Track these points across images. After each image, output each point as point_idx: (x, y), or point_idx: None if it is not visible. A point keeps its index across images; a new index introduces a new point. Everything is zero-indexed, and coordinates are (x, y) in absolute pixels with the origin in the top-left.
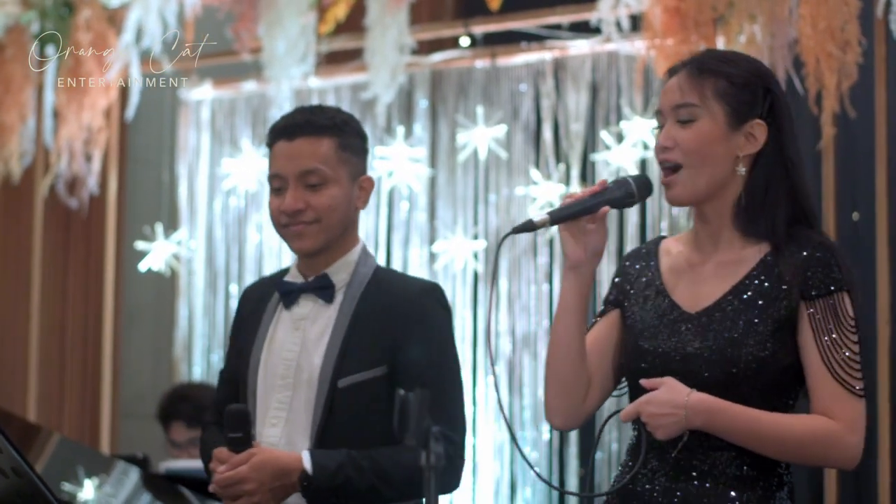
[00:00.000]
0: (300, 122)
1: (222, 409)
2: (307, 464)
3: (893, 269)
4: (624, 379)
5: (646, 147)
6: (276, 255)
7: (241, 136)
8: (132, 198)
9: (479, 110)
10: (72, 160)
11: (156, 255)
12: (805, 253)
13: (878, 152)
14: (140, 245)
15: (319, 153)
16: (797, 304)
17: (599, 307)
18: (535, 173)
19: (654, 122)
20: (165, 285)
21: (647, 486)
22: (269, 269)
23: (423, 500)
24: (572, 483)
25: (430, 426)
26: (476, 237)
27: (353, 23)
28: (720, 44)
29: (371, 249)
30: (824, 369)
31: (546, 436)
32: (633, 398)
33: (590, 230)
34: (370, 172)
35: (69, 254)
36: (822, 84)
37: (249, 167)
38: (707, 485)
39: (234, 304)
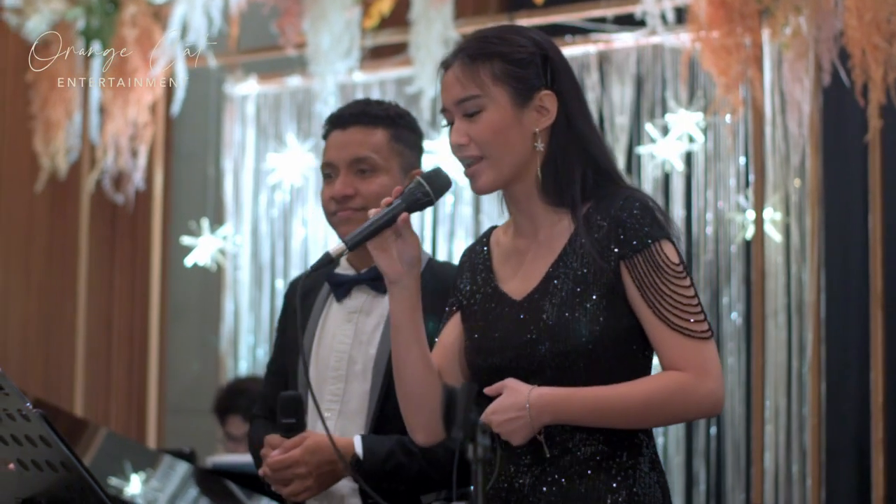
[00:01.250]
0: (355, 112)
1: (270, 403)
2: (358, 448)
3: None
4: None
5: (691, 140)
6: (322, 249)
7: (286, 131)
8: (178, 193)
9: None
10: (118, 156)
11: (201, 249)
12: (614, 213)
13: None
14: (186, 240)
15: (371, 142)
16: (617, 266)
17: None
18: None
19: (700, 115)
20: (211, 280)
21: (520, 482)
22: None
23: (471, 487)
24: None
25: (476, 419)
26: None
27: (398, 17)
28: (765, 36)
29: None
30: (658, 321)
31: None
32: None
33: (398, 242)
34: None
35: (115, 249)
36: (868, 76)
37: (294, 162)
38: (569, 470)
39: (279, 299)
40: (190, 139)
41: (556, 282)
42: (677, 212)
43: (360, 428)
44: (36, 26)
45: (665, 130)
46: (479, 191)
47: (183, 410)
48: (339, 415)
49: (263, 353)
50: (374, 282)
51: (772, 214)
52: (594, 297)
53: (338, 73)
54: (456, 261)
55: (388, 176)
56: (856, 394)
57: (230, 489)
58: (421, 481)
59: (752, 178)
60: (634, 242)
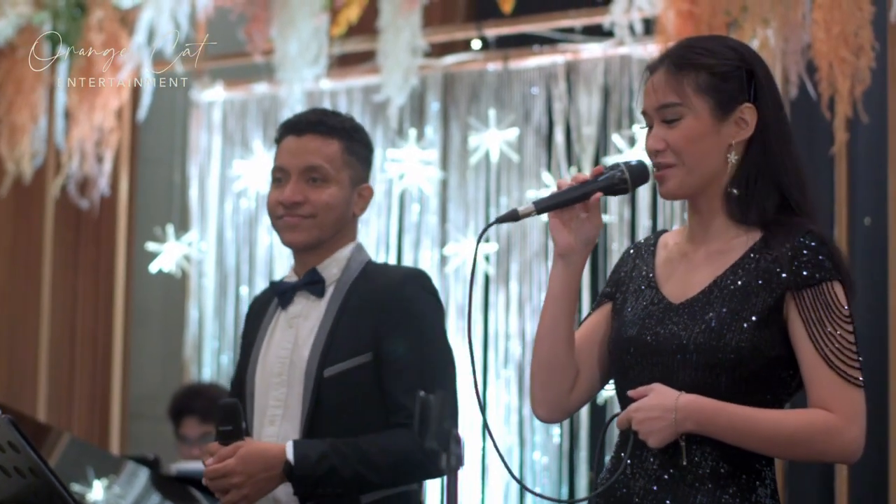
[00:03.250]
0: (312, 120)
1: None
2: (290, 454)
3: None
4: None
5: None
6: (287, 258)
7: (253, 138)
8: (143, 199)
9: (491, 113)
10: (83, 161)
11: (166, 256)
12: (793, 242)
13: (891, 157)
14: (151, 246)
15: (326, 152)
16: (783, 295)
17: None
18: (546, 176)
19: None
20: (176, 286)
21: (639, 485)
22: (280, 271)
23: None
24: (582, 486)
25: (450, 428)
26: (488, 240)
27: (366, 25)
28: None
29: (382, 251)
30: (818, 359)
31: (556, 440)
32: (618, 390)
33: (582, 219)
34: (381, 174)
35: (80, 254)
36: (835, 89)
37: (260, 169)
38: (683, 484)
39: (244, 306)
40: (156, 145)
41: (718, 294)
42: (643, 222)
43: (296, 431)
44: (2, 30)
45: (632, 141)
46: (666, 195)
47: (146, 417)
48: (282, 419)
49: (227, 360)
50: (311, 286)
51: None
52: (753, 318)
53: (305, 81)
54: (421, 267)
55: (338, 187)
56: None
57: (194, 496)
58: (356, 483)
59: None
60: (806, 275)
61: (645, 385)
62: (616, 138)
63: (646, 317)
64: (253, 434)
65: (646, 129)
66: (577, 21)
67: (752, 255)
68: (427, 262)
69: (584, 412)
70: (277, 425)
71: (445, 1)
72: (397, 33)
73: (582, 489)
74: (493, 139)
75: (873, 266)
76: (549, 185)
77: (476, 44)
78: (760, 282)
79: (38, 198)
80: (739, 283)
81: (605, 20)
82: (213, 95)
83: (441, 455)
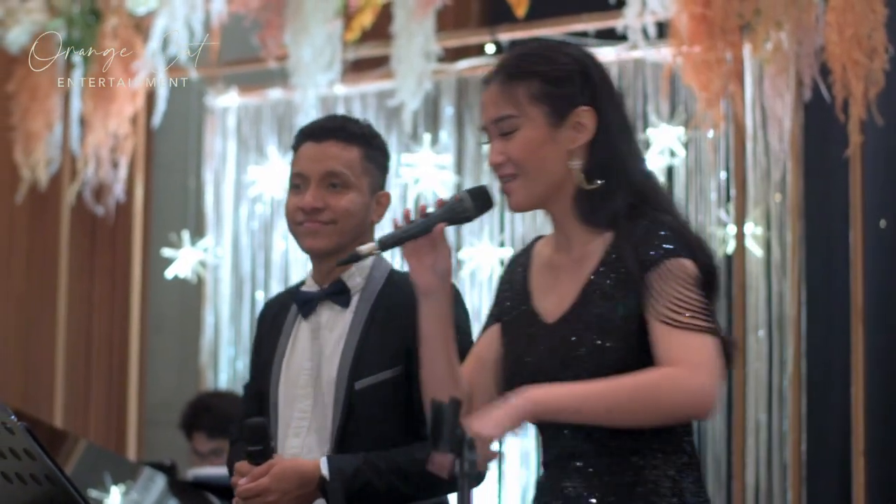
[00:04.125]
0: (332, 127)
1: None
2: (324, 469)
3: None
4: None
5: (672, 154)
6: (303, 263)
7: (267, 144)
8: (158, 205)
9: None
10: (98, 167)
11: (182, 262)
12: (639, 235)
13: None
14: (166, 252)
15: (346, 158)
16: (638, 288)
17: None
18: None
19: (681, 130)
20: (191, 292)
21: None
22: (296, 277)
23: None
24: None
25: (463, 434)
26: (502, 244)
27: (380, 30)
28: (747, 52)
29: (397, 256)
30: (655, 322)
31: None
32: None
33: (432, 252)
34: (397, 179)
35: (95, 261)
36: (848, 91)
37: (275, 174)
38: (579, 473)
39: (259, 311)
40: (171, 151)
41: (587, 305)
42: None
43: (325, 443)
44: (17, 37)
45: (646, 145)
46: (514, 208)
47: (162, 423)
48: (307, 431)
49: (243, 366)
50: (337, 296)
51: (753, 229)
52: (624, 320)
53: (319, 86)
54: None
55: (357, 193)
56: (837, 408)
57: (211, 501)
58: (391, 496)
59: (733, 192)
60: (647, 260)
61: None
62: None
63: (526, 341)
64: (276, 445)
65: (487, 144)
66: (591, 25)
67: (609, 257)
68: None
69: None
70: (302, 437)
71: (459, 6)
72: (411, 38)
73: None
74: None
75: (888, 269)
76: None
77: (490, 48)
78: (618, 282)
79: (54, 204)
80: (603, 288)
81: (618, 24)
82: (227, 101)
83: (455, 461)
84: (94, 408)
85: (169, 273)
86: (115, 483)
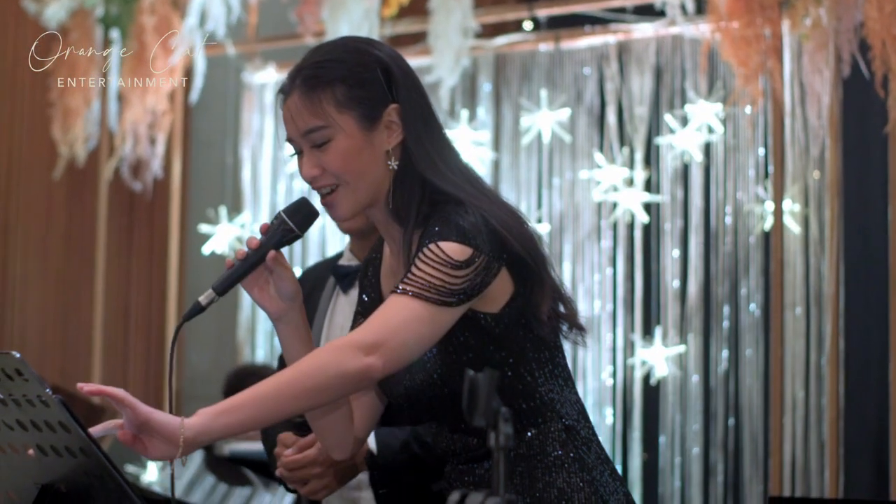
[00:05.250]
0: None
1: None
2: (371, 443)
3: None
4: None
5: (711, 130)
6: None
7: None
8: (196, 181)
9: (543, 94)
10: (136, 144)
11: (219, 238)
12: (424, 235)
13: None
14: (204, 228)
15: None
16: None
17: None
18: (598, 157)
19: (719, 106)
20: None
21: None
22: (332, 251)
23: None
24: (635, 466)
25: (499, 407)
26: (540, 220)
27: (417, 6)
28: (785, 27)
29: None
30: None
31: (609, 420)
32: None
33: (273, 278)
34: None
35: (133, 237)
36: (888, 67)
37: None
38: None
39: None
40: (208, 127)
41: None
42: (696, 202)
43: None
44: (55, 13)
45: (684, 121)
46: (338, 219)
47: (200, 398)
48: None
49: None
50: None
51: (791, 206)
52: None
53: None
54: None
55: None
56: (875, 386)
57: (247, 477)
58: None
59: (771, 169)
60: (419, 249)
61: (413, 416)
62: (668, 118)
63: None
64: None
65: (295, 157)
66: (629, 1)
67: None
68: None
69: (638, 394)
70: None
71: None
72: (448, 15)
73: (635, 469)
74: (545, 120)
75: None
76: (601, 166)
77: (528, 25)
78: None
79: (92, 181)
80: None
81: (656, 0)
82: (264, 77)
83: (490, 433)
84: (132, 383)
85: (206, 249)
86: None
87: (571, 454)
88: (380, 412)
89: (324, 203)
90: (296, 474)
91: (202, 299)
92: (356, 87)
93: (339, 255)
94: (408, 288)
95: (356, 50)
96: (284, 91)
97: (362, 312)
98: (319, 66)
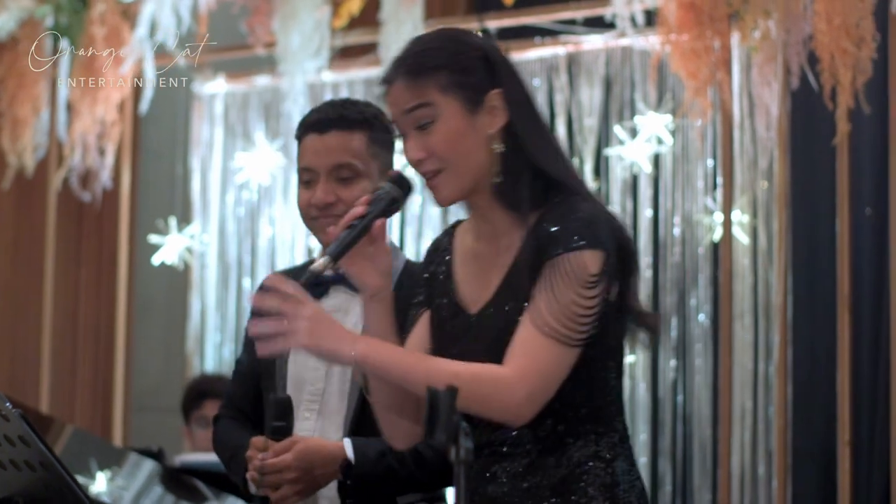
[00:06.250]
0: (332, 117)
1: (237, 402)
2: (349, 451)
3: None
4: None
5: (660, 142)
6: (289, 249)
7: (255, 130)
8: (145, 191)
9: None
10: (85, 153)
11: (169, 248)
12: (551, 217)
13: (892, 148)
14: (153, 238)
15: (351, 147)
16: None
17: None
18: None
19: (669, 118)
20: (178, 279)
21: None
22: (282, 263)
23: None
24: None
25: (459, 421)
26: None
27: (368, 17)
28: (735, 40)
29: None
30: (526, 315)
31: None
32: None
33: (371, 252)
34: None
35: (82, 247)
36: (836, 80)
37: (262, 161)
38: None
39: (246, 298)
40: (158, 137)
41: (505, 296)
42: (645, 213)
43: (338, 427)
44: (4, 23)
45: (634, 132)
46: (442, 203)
47: (148, 409)
48: (318, 414)
49: (229, 353)
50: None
51: (739, 217)
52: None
53: (307, 73)
54: None
55: (369, 181)
56: (822, 396)
57: (197, 487)
58: (410, 484)
59: (720, 180)
60: (554, 250)
61: None
62: (618, 129)
63: (449, 332)
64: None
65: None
66: (579, 13)
67: (528, 242)
68: None
69: (643, 395)
70: (313, 420)
71: None
72: (399, 26)
73: None
74: None
75: (874, 257)
76: None
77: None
78: (532, 267)
79: (41, 191)
80: (522, 280)
81: (606, 11)
82: (214, 88)
83: (450, 447)
84: (80, 394)
85: (156, 259)
86: (102, 469)
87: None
88: None
89: (428, 186)
90: (268, 479)
91: (317, 266)
92: (458, 72)
93: (307, 265)
94: (553, 329)
95: (455, 38)
96: (387, 80)
97: (425, 303)
98: (422, 55)
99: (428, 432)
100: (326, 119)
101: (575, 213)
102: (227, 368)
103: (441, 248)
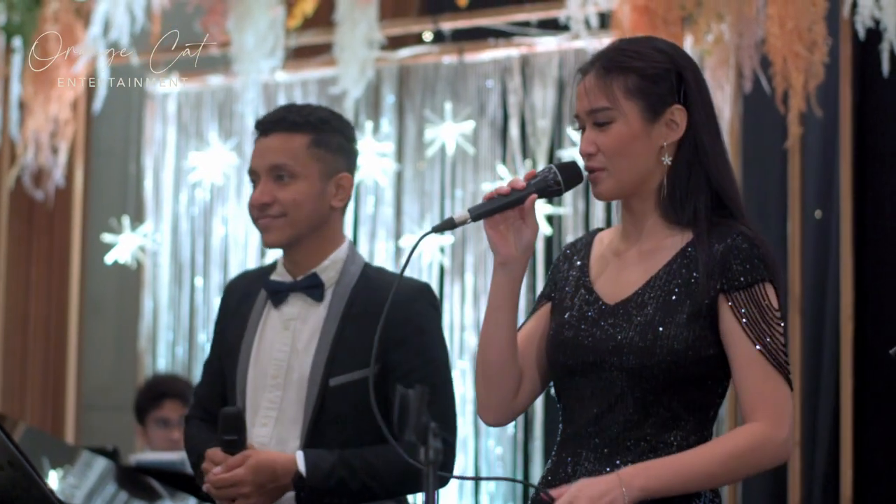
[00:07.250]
0: (275, 119)
1: (206, 403)
2: (301, 465)
3: (857, 266)
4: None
5: None
6: (242, 248)
7: (208, 130)
8: (98, 190)
9: (447, 106)
10: (38, 152)
11: (121, 247)
12: (725, 243)
13: (843, 151)
14: (106, 237)
15: (289, 149)
16: (716, 297)
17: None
18: (501, 169)
19: None
20: (130, 277)
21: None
22: (235, 262)
23: (416, 495)
24: (536, 475)
25: (428, 422)
26: (443, 232)
27: (322, 18)
28: (688, 43)
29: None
30: (757, 355)
31: (510, 430)
32: (557, 391)
33: (519, 225)
34: None
35: (34, 245)
36: (789, 83)
37: (215, 160)
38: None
39: (199, 297)
40: (111, 137)
41: (651, 294)
42: (598, 214)
43: (296, 437)
44: None
45: None
46: (599, 196)
47: (99, 408)
48: (275, 422)
49: (182, 352)
50: (310, 289)
51: None
52: (685, 318)
53: (261, 73)
54: (376, 263)
55: (305, 182)
56: None
57: (153, 487)
58: (363, 495)
59: None
60: (742, 279)
61: (580, 388)
62: (570, 131)
63: (581, 318)
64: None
65: (579, 132)
66: (533, 15)
67: (685, 255)
68: (382, 254)
69: (539, 404)
70: (270, 427)
71: None
72: (353, 26)
73: (536, 478)
74: (448, 132)
75: (824, 259)
76: (504, 178)
77: (427, 36)
78: (693, 282)
79: None
80: (672, 283)
81: (560, 14)
82: (168, 87)
83: (419, 449)
84: (31, 392)
85: (108, 258)
86: (54, 467)
87: None
88: (539, 395)
89: (591, 178)
90: (223, 492)
91: (456, 217)
92: (647, 80)
93: (271, 268)
94: (783, 367)
95: (657, 49)
96: (583, 70)
97: (549, 295)
98: (620, 53)
99: (399, 433)
100: (270, 121)
101: (756, 245)
102: (180, 367)
103: (577, 248)
